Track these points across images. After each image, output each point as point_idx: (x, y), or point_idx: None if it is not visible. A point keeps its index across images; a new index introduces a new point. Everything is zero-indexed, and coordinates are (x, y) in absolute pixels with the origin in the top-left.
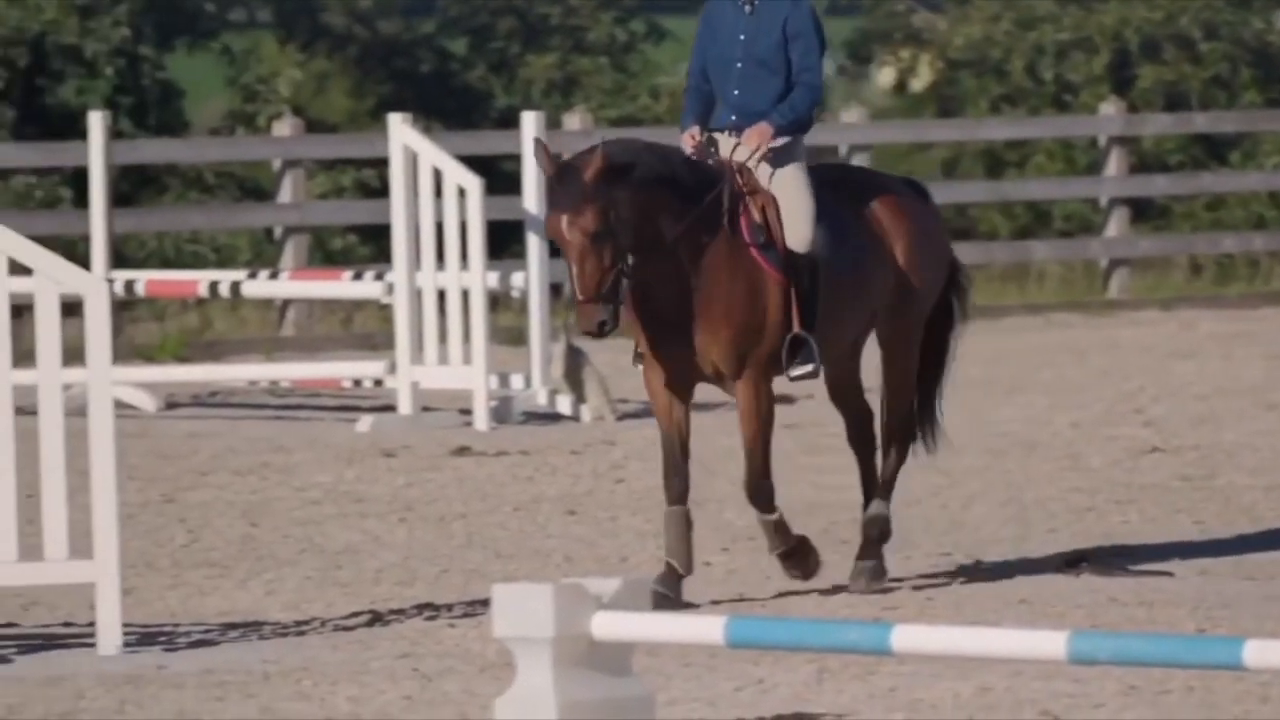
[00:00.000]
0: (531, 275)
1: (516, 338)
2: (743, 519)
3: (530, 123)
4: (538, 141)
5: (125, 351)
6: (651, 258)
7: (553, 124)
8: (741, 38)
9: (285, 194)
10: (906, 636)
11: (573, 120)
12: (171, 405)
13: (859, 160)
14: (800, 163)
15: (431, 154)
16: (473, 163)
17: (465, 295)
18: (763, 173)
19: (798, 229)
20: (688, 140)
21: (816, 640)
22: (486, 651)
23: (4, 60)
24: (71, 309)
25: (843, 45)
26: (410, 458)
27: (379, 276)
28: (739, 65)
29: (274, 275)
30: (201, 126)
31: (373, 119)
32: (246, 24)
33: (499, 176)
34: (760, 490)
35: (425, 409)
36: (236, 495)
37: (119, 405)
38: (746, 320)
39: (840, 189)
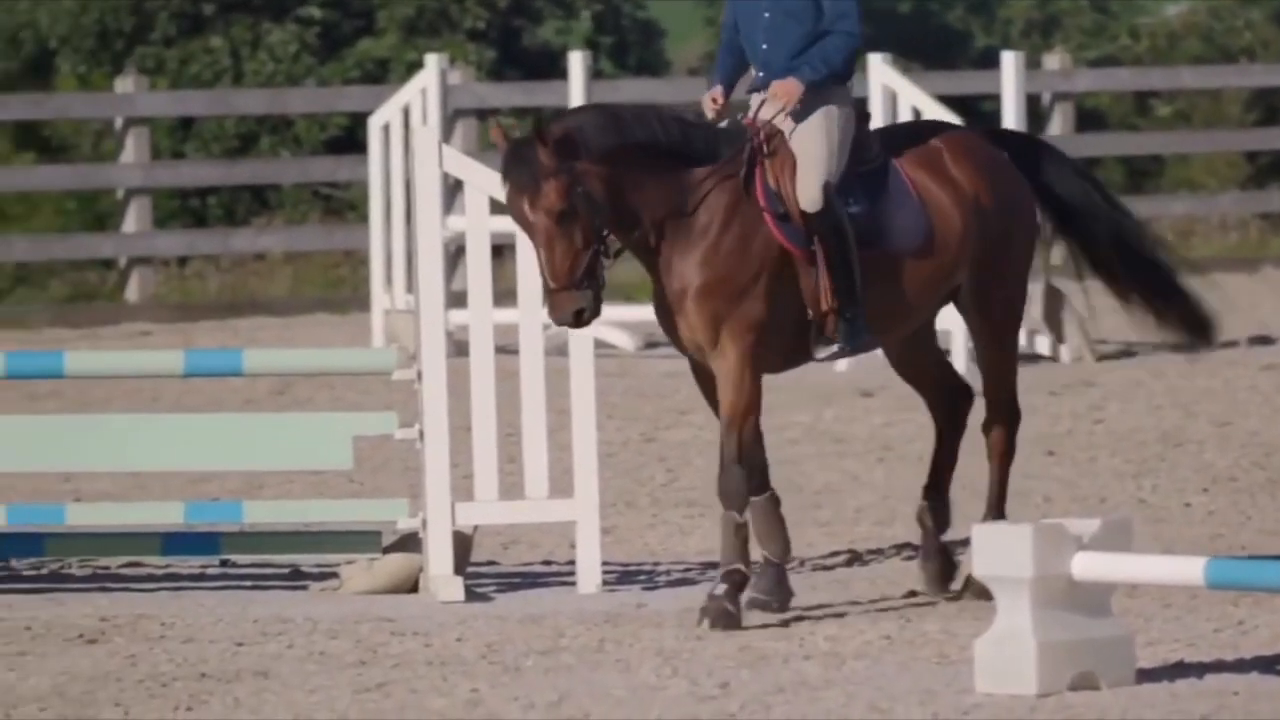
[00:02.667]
0: None
1: None
2: (1224, 459)
3: (1010, 63)
4: (496, 123)
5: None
6: (641, 236)
7: (1032, 64)
8: None
9: None
10: None
11: (1052, 60)
12: (650, 345)
13: None
14: (830, 112)
15: (911, 94)
16: (951, 103)
17: None
18: (789, 126)
19: (807, 185)
20: (708, 101)
21: None
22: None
23: (484, 2)
24: None
25: None
26: (888, 397)
27: None
28: (766, 15)
29: None
30: (681, 66)
31: None
32: None
33: (978, 117)
34: (729, 481)
35: None
36: (715, 434)
37: (598, 345)
38: (723, 276)
39: (906, 149)
